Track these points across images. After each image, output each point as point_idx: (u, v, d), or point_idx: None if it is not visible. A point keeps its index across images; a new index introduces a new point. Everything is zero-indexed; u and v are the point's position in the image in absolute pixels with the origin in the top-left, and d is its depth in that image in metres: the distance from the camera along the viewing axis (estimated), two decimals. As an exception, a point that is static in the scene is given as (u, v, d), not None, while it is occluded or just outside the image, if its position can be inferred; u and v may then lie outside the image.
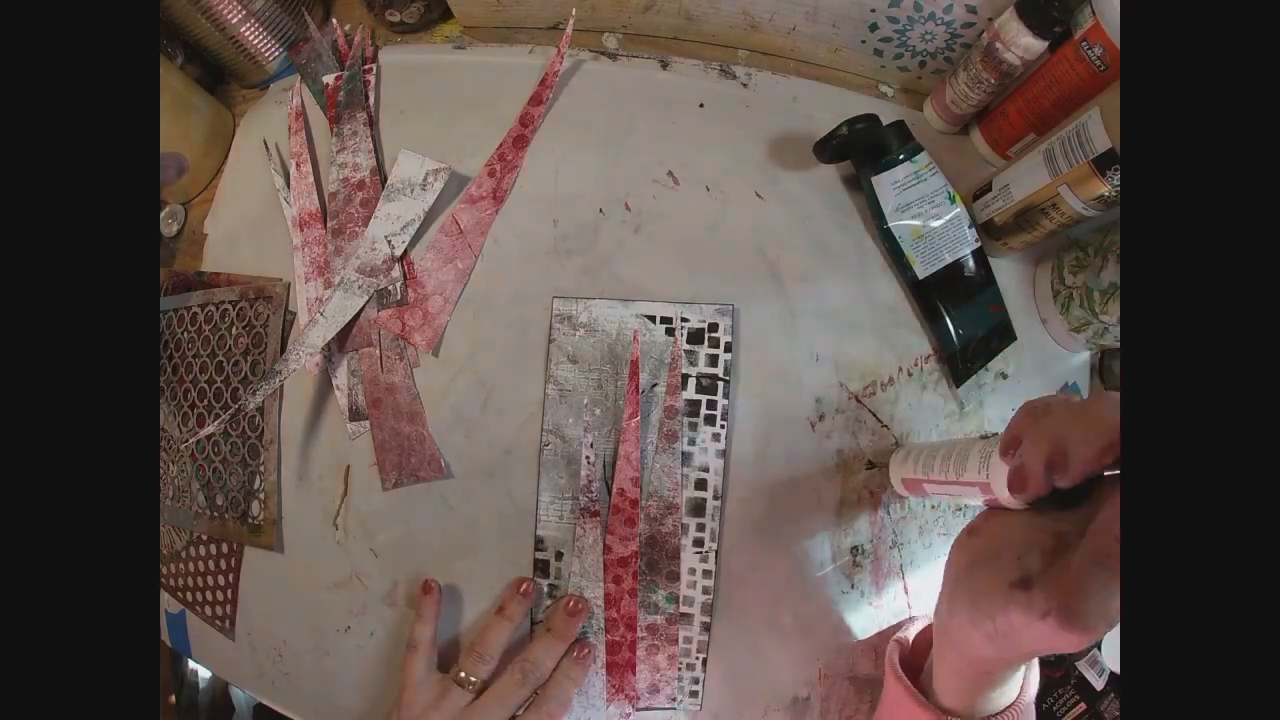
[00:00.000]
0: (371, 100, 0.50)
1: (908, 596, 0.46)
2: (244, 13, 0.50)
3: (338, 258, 0.47)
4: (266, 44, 0.53)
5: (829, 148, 0.45)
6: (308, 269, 0.49)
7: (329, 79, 0.51)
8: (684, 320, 0.45)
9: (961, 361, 0.47)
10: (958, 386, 0.47)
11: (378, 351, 0.46)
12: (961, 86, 0.47)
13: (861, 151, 0.46)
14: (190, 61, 0.56)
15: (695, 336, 0.45)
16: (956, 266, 0.47)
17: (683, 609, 0.44)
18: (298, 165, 0.50)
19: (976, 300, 0.47)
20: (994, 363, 0.48)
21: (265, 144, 0.52)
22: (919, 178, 0.46)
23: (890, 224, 0.46)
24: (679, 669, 0.44)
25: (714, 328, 0.46)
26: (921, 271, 0.46)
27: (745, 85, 0.51)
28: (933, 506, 0.46)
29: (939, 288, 0.46)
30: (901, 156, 0.45)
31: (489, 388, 0.46)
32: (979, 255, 0.47)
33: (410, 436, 0.46)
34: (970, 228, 0.47)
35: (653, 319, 0.45)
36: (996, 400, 0.48)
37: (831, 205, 0.49)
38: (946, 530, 0.47)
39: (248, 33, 0.51)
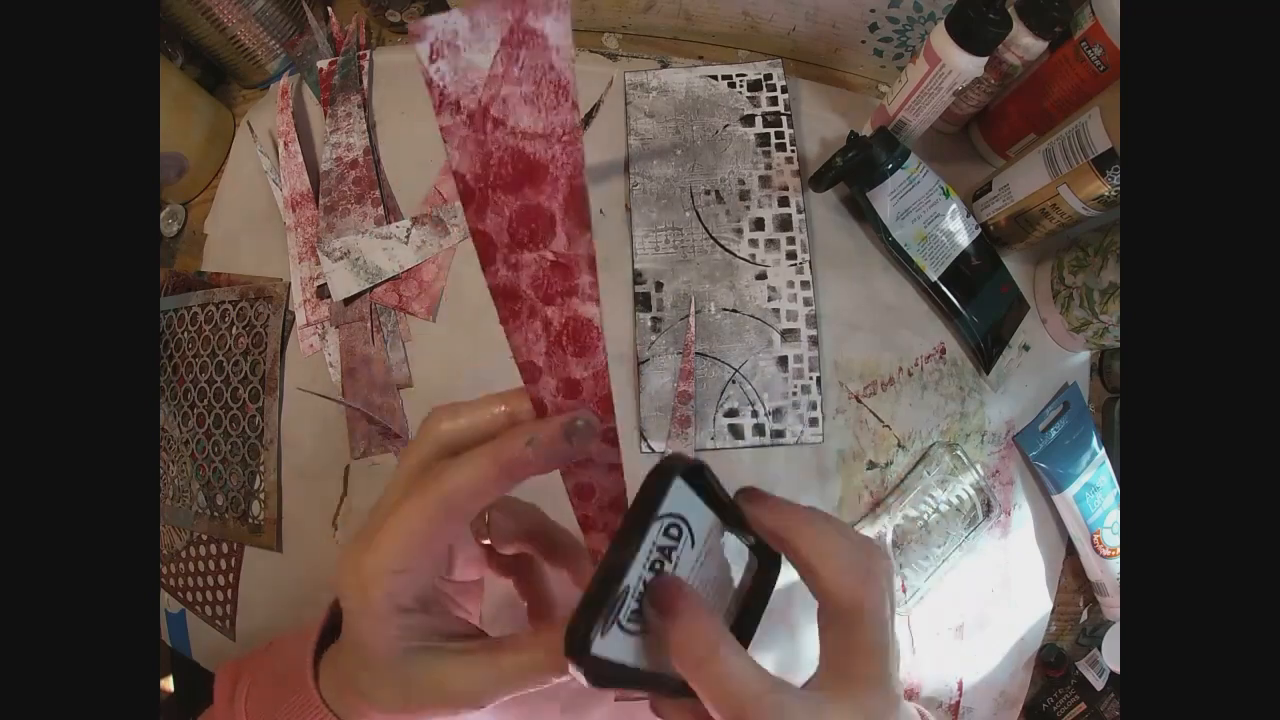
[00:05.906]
0: (365, 84, 0.51)
1: (904, 595, 0.46)
2: (244, 13, 0.50)
3: (330, 233, 0.48)
4: (266, 44, 0.53)
5: (825, 179, 0.46)
6: (300, 249, 0.49)
7: (323, 64, 0.52)
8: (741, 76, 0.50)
9: (986, 349, 0.47)
10: (987, 373, 0.48)
11: (368, 324, 0.47)
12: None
13: (854, 172, 0.46)
14: (190, 61, 0.55)
15: (754, 86, 0.49)
16: (964, 258, 0.47)
17: None
18: (285, 145, 0.50)
19: (988, 285, 0.48)
20: (1014, 337, 0.49)
21: (249, 126, 0.53)
22: (912, 181, 0.46)
23: (894, 234, 0.46)
24: None
25: (769, 78, 0.50)
26: (933, 273, 0.46)
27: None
28: (934, 509, 0.46)
29: (951, 284, 0.47)
30: (891, 166, 0.45)
31: (489, 388, 0.46)
32: (981, 241, 0.48)
33: (381, 408, 0.46)
34: (968, 216, 0.48)
35: (714, 78, 0.50)
36: (1022, 374, 0.49)
37: (831, 205, 0.49)
38: (947, 533, 0.47)
39: (247, 33, 0.51)
